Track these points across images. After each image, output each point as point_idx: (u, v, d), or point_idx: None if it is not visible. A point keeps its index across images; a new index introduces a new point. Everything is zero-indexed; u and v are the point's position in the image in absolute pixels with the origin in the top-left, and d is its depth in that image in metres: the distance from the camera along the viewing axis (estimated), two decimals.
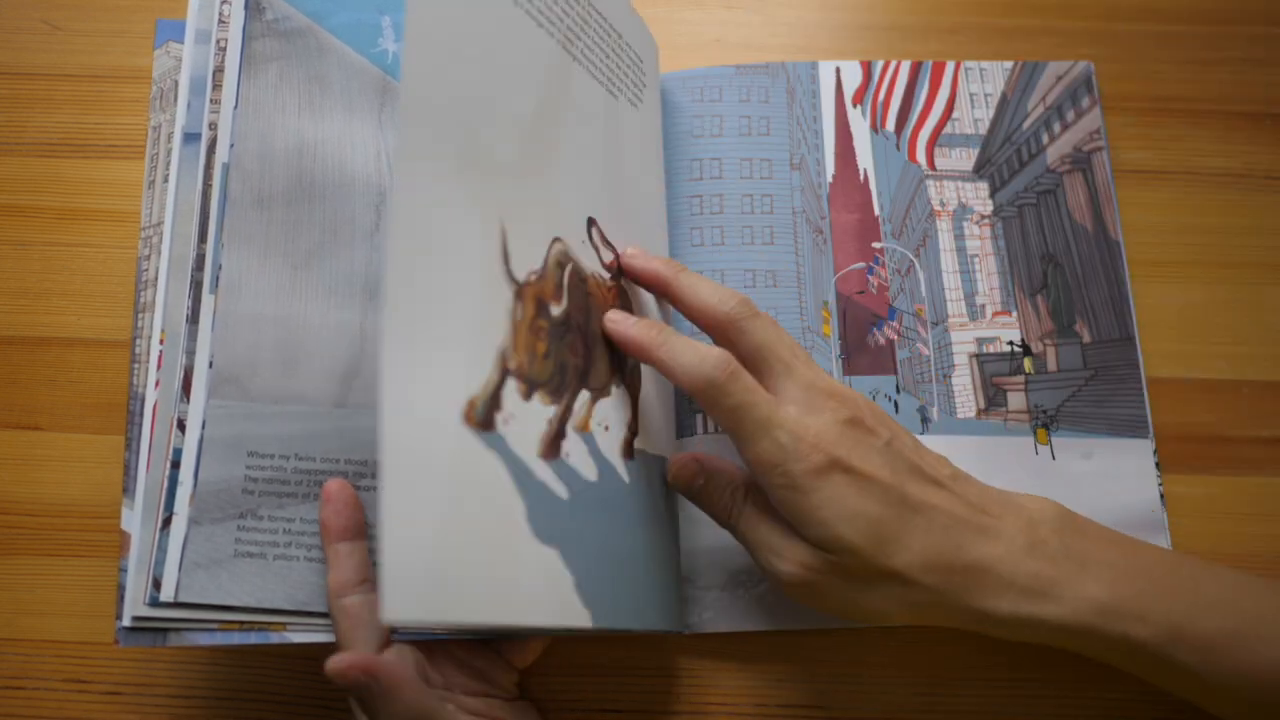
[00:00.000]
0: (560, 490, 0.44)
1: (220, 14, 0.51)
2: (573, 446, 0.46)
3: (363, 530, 0.48)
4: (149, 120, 0.57)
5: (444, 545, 0.38)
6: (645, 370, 0.53)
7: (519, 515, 0.42)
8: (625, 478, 0.49)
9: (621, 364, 0.51)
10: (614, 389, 0.50)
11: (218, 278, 0.49)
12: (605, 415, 0.49)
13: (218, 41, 0.51)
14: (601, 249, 0.51)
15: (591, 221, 0.51)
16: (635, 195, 0.55)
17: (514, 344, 0.44)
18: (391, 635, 0.47)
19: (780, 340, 0.49)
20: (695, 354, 0.47)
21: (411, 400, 0.38)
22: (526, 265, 0.45)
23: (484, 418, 0.41)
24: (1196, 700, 0.47)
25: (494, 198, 0.44)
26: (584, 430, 0.47)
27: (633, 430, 0.51)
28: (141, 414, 0.49)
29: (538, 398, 0.45)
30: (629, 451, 0.50)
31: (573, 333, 0.47)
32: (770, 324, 0.49)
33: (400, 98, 0.40)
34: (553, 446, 0.45)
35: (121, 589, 0.47)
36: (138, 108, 0.64)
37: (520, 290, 0.45)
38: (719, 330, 0.50)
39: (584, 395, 0.48)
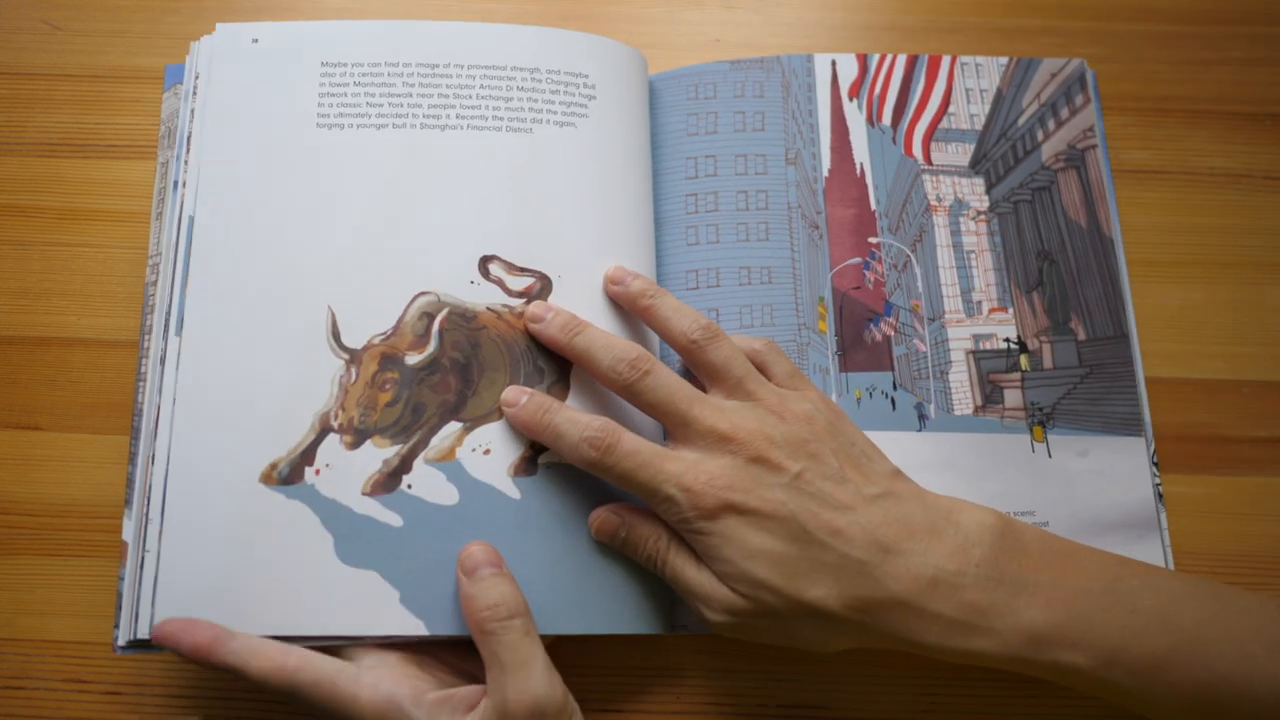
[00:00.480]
0: (391, 519, 0.51)
1: (195, 85, 0.57)
2: (420, 478, 0.52)
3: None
4: (157, 156, 0.59)
5: (225, 576, 0.49)
6: (589, 382, 0.54)
7: (326, 547, 0.50)
8: (514, 494, 0.52)
9: (532, 384, 0.53)
10: None
11: (182, 322, 0.52)
12: (486, 439, 0.52)
13: (191, 110, 0.56)
14: (508, 279, 0.55)
15: (487, 259, 0.55)
16: (576, 207, 0.57)
17: (341, 404, 0.52)
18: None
19: (674, 394, 0.50)
20: (575, 431, 0.50)
21: (196, 473, 0.50)
22: (370, 331, 0.53)
23: (287, 475, 0.51)
24: (1139, 713, 0.47)
25: (318, 288, 0.53)
26: (446, 460, 0.52)
27: (537, 448, 0.52)
28: (141, 430, 0.52)
29: (371, 444, 0.52)
30: (526, 469, 0.52)
31: (443, 373, 0.53)
32: (663, 379, 0.50)
33: (195, 228, 0.54)
34: (385, 484, 0.51)
35: (120, 597, 0.50)
36: (137, 108, 0.64)
37: (357, 355, 0.53)
38: (620, 395, 0.52)
39: (451, 427, 0.52)
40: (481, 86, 0.58)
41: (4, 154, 0.63)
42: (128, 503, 0.51)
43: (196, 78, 0.57)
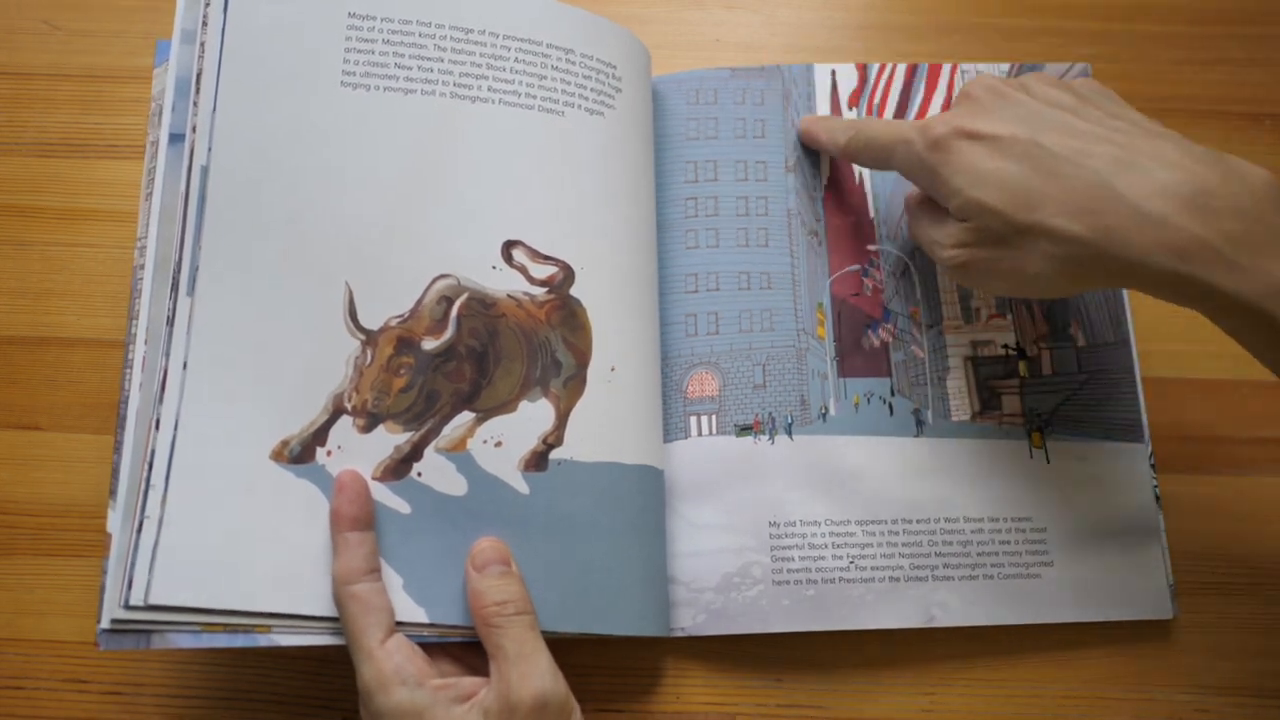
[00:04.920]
0: (400, 506, 0.50)
1: (204, 15, 0.52)
2: (430, 466, 0.51)
3: (372, 520, 0.49)
4: (147, 135, 0.57)
5: (229, 547, 0.48)
6: (603, 380, 0.54)
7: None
8: (523, 489, 0.51)
9: (548, 377, 0.53)
10: (525, 404, 0.53)
11: (194, 280, 0.50)
12: (498, 432, 0.52)
13: (200, 43, 0.52)
14: (531, 266, 0.53)
15: (511, 244, 0.53)
16: (600, 199, 0.56)
17: (356, 386, 0.51)
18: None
19: (890, 127, 0.53)
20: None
21: (205, 441, 0.48)
22: (387, 311, 0.51)
23: (299, 454, 0.50)
24: None
25: (335, 265, 0.51)
26: (457, 450, 0.51)
27: (550, 443, 0.52)
28: (128, 416, 0.49)
29: (384, 429, 0.51)
30: (538, 464, 0.52)
31: (458, 360, 0.52)
32: (872, 125, 0.56)
33: (209, 198, 0.50)
34: (395, 470, 0.51)
35: (103, 591, 0.48)
36: (138, 108, 0.64)
37: (373, 337, 0.51)
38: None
39: (464, 417, 0.52)
40: (516, 59, 0.55)
41: (4, 154, 0.63)
42: (112, 493, 0.49)
43: (206, 5, 0.52)
